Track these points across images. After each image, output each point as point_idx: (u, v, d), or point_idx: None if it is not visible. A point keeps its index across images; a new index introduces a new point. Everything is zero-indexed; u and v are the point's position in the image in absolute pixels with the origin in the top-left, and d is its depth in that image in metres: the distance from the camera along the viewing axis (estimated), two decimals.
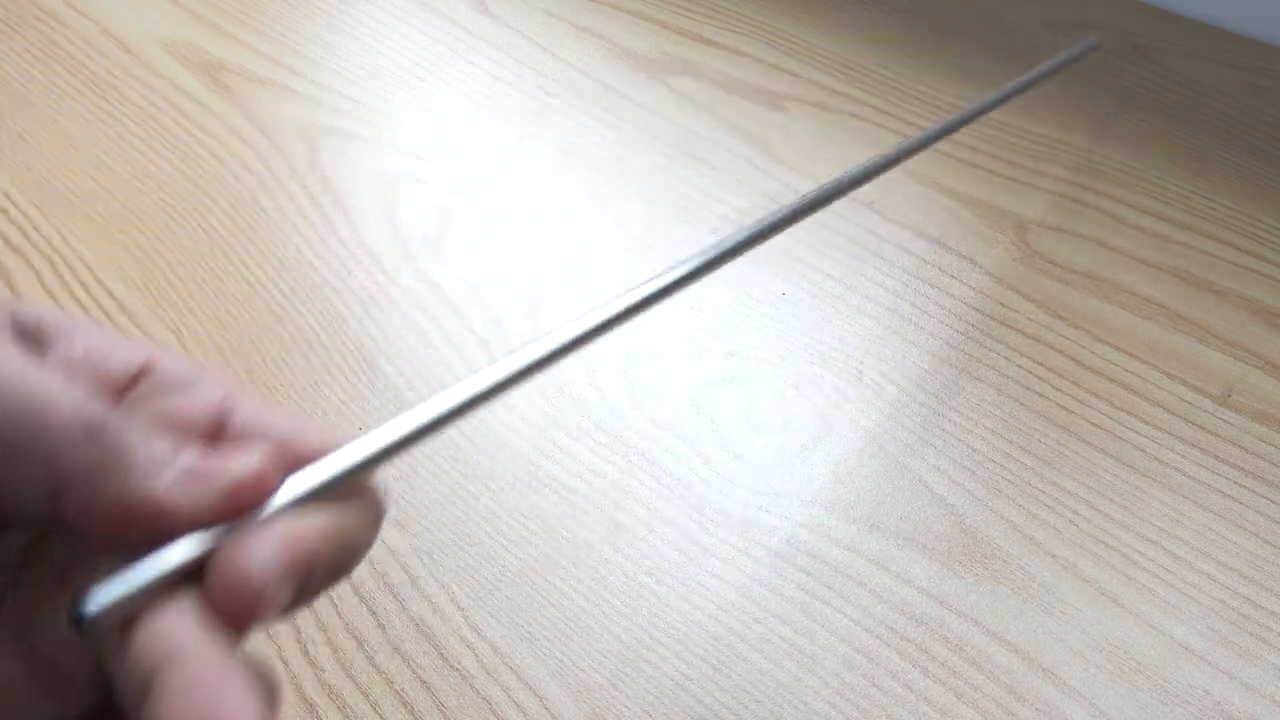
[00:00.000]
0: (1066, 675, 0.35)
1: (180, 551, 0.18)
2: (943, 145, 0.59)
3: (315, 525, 0.20)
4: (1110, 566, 0.38)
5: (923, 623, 0.36)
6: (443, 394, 0.22)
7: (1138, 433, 0.43)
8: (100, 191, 0.54)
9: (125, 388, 0.22)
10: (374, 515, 0.22)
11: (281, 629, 0.35)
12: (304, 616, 0.36)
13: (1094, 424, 0.43)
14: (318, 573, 0.20)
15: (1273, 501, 0.40)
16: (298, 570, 0.19)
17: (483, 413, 0.43)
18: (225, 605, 0.18)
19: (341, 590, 0.37)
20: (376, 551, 0.38)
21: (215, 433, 0.21)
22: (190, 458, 0.19)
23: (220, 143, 0.57)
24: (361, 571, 0.37)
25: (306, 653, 0.35)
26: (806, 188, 0.56)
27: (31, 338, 0.22)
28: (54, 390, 0.19)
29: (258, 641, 0.35)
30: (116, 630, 0.18)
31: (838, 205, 0.55)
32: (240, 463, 0.19)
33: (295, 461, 0.21)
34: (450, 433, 0.42)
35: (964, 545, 0.39)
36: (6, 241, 0.50)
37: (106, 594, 0.17)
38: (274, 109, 0.60)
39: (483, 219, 0.53)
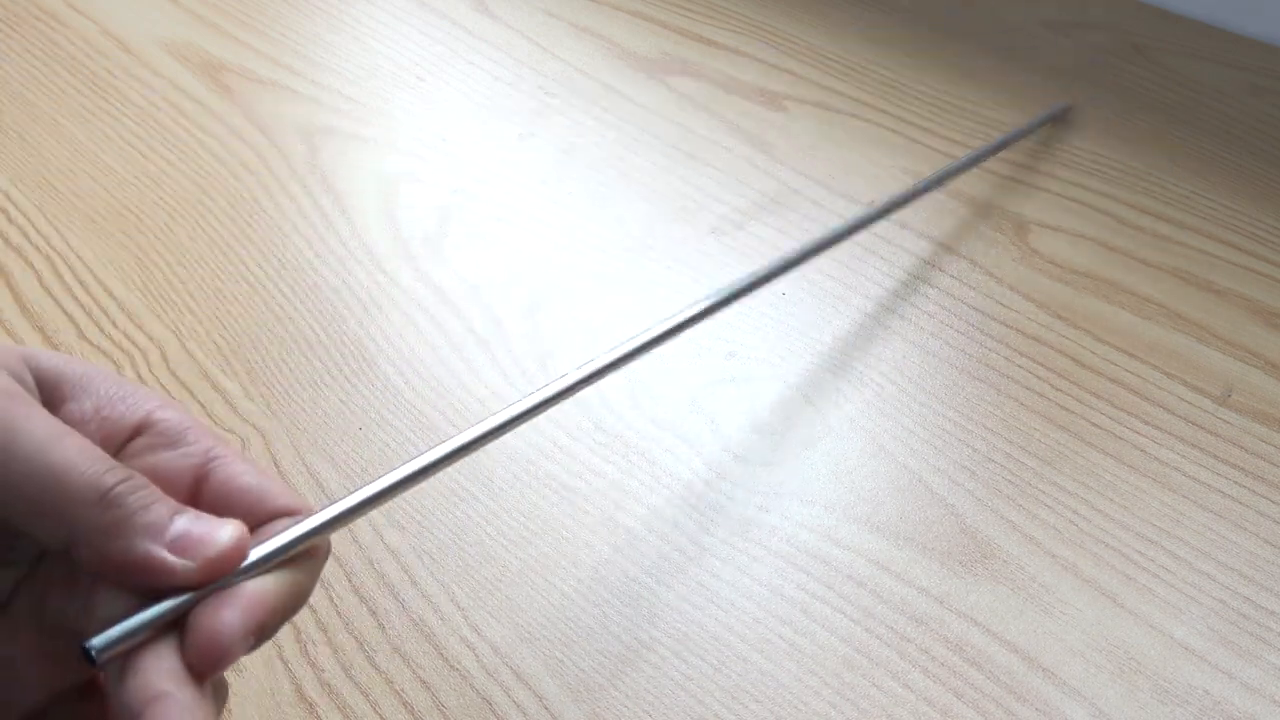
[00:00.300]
0: (1066, 675, 0.35)
1: (167, 605, 0.23)
2: (942, 145, 0.59)
3: (275, 589, 0.25)
4: (1110, 566, 0.38)
5: (923, 623, 0.36)
6: (405, 463, 0.28)
7: (1138, 433, 0.43)
8: (100, 191, 0.54)
9: (128, 439, 0.26)
10: (320, 567, 0.27)
11: (282, 629, 0.35)
12: (304, 616, 0.36)
13: (1094, 424, 0.43)
14: (272, 625, 0.25)
15: (1273, 501, 0.40)
16: (259, 628, 0.24)
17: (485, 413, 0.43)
18: (198, 659, 0.23)
19: (341, 590, 0.37)
20: (376, 551, 0.38)
21: (198, 484, 0.26)
22: (182, 524, 0.24)
23: (220, 143, 0.57)
24: (361, 571, 0.37)
25: (306, 653, 0.35)
26: (806, 188, 0.56)
27: (50, 388, 0.26)
28: (74, 457, 0.23)
29: None
30: (118, 661, 0.23)
31: (839, 206, 0.55)
32: (223, 533, 0.24)
33: (262, 516, 0.26)
34: (449, 431, 0.42)
35: (964, 545, 0.39)
36: (6, 241, 0.50)
37: (108, 636, 0.22)
38: (274, 109, 0.60)
39: (483, 219, 0.53)
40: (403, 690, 0.34)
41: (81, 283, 0.48)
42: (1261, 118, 0.63)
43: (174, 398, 0.43)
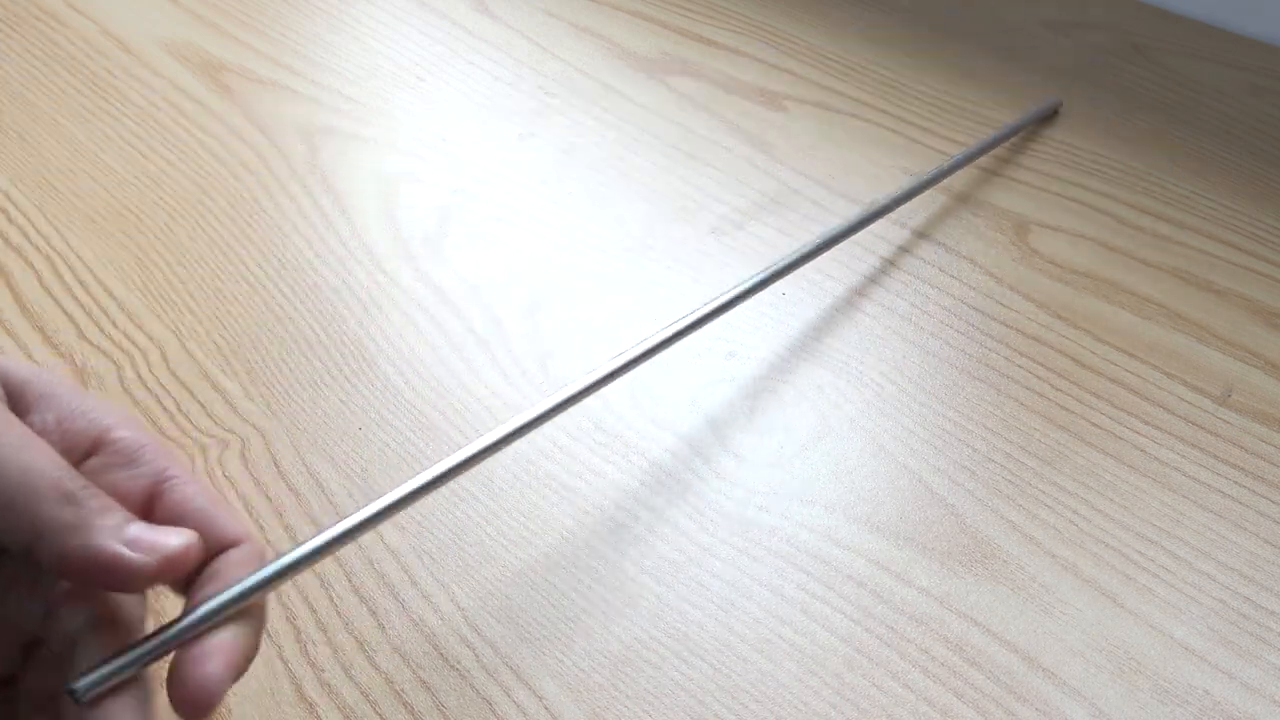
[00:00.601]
0: (1066, 675, 0.35)
1: (147, 649, 0.25)
2: (942, 145, 0.59)
3: (249, 634, 0.27)
4: (1110, 566, 0.38)
5: (923, 623, 0.36)
6: (374, 501, 0.30)
7: (1138, 433, 0.43)
8: (100, 191, 0.54)
9: (86, 454, 0.28)
10: (265, 612, 0.29)
11: (281, 629, 0.35)
12: (304, 616, 0.36)
13: (1094, 424, 0.43)
14: (243, 670, 0.27)
15: (1273, 501, 0.40)
16: (238, 674, 0.26)
17: (483, 413, 0.43)
18: (187, 707, 0.25)
19: (341, 590, 0.37)
20: (376, 551, 0.38)
21: (151, 502, 0.28)
22: (137, 529, 0.25)
23: (220, 143, 0.57)
24: (361, 571, 0.37)
25: (306, 653, 0.35)
26: (806, 188, 0.56)
27: (15, 399, 0.27)
28: (41, 459, 0.25)
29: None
30: (102, 696, 0.25)
31: (839, 206, 0.55)
32: (173, 539, 0.26)
33: (209, 539, 0.28)
34: (450, 432, 0.42)
35: (964, 545, 0.39)
36: (6, 241, 0.50)
37: (92, 679, 0.25)
38: (274, 109, 0.60)
39: (483, 219, 0.53)
40: (403, 690, 0.34)
41: (81, 283, 0.48)
42: (1261, 118, 0.63)
43: (174, 398, 0.43)
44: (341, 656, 0.35)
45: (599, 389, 0.36)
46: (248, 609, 0.28)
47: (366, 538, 0.38)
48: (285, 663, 0.34)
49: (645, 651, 0.35)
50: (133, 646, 0.26)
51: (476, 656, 0.35)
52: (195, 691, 0.25)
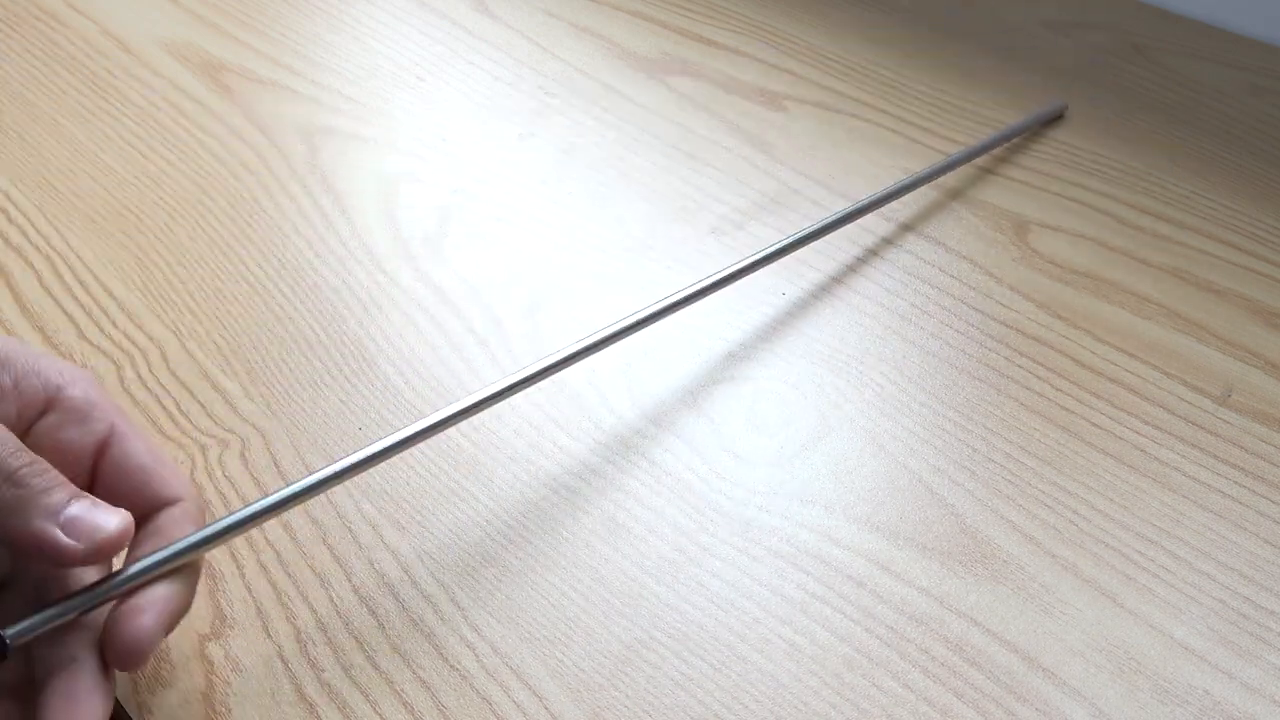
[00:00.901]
0: (1066, 675, 0.35)
1: (76, 602, 0.27)
2: (942, 145, 0.59)
3: (183, 591, 0.29)
4: (1110, 566, 0.38)
5: (923, 623, 0.36)
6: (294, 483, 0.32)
7: (1138, 433, 0.43)
8: (100, 191, 0.54)
9: (41, 412, 0.29)
10: (198, 573, 0.31)
11: (281, 629, 0.35)
12: (304, 616, 0.36)
13: (1094, 424, 0.43)
14: (174, 624, 0.29)
15: (1273, 501, 0.40)
16: (170, 628, 0.28)
17: (483, 413, 0.43)
18: (121, 658, 0.27)
19: (341, 590, 0.37)
20: (376, 551, 0.38)
21: (100, 456, 0.30)
22: (76, 509, 0.27)
23: (220, 143, 0.57)
24: (361, 571, 0.37)
25: (306, 653, 0.35)
26: (806, 188, 0.56)
27: None
28: None
29: (259, 643, 0.35)
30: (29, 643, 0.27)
31: (839, 206, 0.55)
32: (110, 522, 0.27)
33: (148, 494, 0.30)
34: (449, 432, 0.42)
35: (964, 545, 0.39)
36: (6, 241, 0.50)
37: (21, 628, 0.26)
38: (274, 109, 0.60)
39: (483, 219, 0.53)
40: (403, 690, 0.34)
41: (81, 283, 0.48)
42: (1261, 118, 0.63)
43: (174, 398, 0.43)
44: (341, 656, 0.35)
45: (575, 362, 0.38)
46: (183, 567, 0.29)
47: (366, 537, 0.38)
48: (285, 663, 0.34)
49: (645, 651, 0.35)
50: (69, 597, 0.27)
51: (476, 656, 0.35)
52: (129, 643, 0.27)
